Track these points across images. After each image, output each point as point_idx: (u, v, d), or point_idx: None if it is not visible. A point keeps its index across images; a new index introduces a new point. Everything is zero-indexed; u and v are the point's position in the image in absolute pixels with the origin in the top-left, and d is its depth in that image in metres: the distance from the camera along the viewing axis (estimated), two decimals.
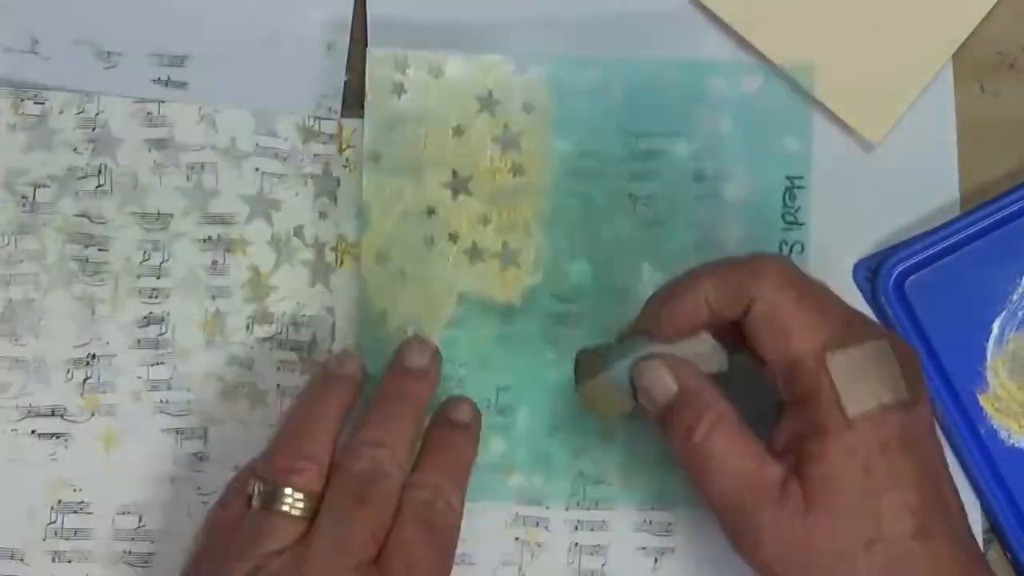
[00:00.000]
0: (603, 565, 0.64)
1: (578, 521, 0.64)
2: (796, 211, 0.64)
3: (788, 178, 0.64)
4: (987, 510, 0.64)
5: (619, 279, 0.64)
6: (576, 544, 0.64)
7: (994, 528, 0.64)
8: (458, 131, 0.64)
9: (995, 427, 0.64)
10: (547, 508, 0.64)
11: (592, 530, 0.64)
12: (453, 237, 0.64)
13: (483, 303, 0.64)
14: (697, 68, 0.64)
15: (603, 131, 0.64)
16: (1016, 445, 0.64)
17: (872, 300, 0.65)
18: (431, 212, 0.64)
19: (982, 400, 0.64)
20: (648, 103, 0.65)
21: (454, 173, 0.64)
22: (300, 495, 0.54)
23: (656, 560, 0.64)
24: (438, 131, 0.64)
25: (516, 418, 0.64)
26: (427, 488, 0.56)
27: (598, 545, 0.64)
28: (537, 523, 0.64)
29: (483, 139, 0.64)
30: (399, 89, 0.64)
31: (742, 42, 0.65)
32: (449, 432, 0.59)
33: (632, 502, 0.64)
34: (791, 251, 0.64)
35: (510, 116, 0.64)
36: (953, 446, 0.64)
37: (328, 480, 0.55)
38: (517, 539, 0.64)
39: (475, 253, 0.64)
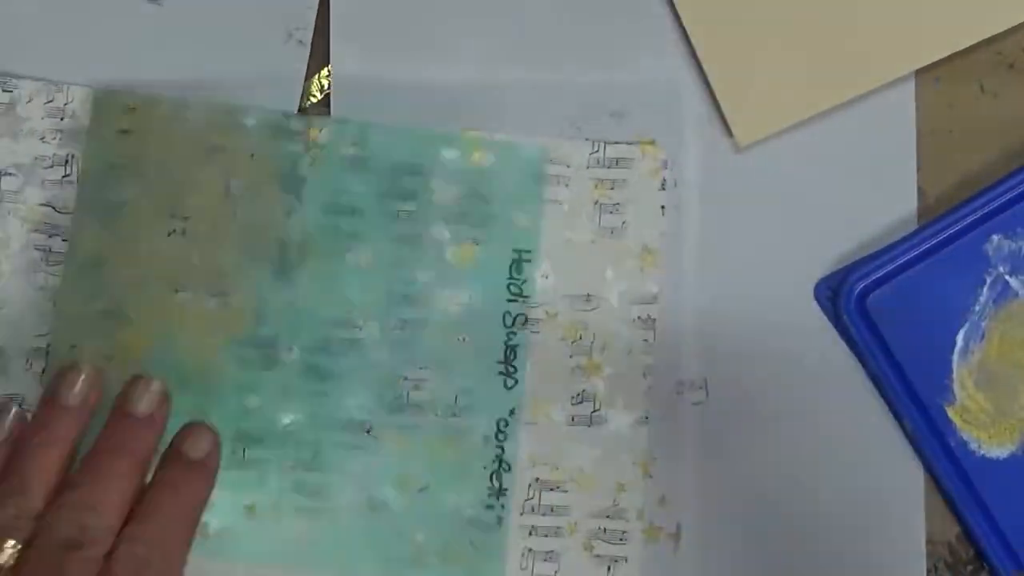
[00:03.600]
0: (556, 572, 0.64)
1: (532, 527, 0.64)
2: (522, 283, 0.64)
3: (516, 251, 0.65)
4: (961, 521, 0.64)
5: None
6: (530, 550, 0.64)
7: (969, 539, 0.64)
8: (186, 178, 0.64)
9: (964, 439, 0.64)
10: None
11: (546, 536, 0.64)
12: (170, 281, 0.64)
13: None
14: (432, 139, 0.65)
15: (335, 190, 0.65)
16: (987, 455, 0.64)
17: (835, 319, 0.65)
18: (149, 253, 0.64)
19: (950, 412, 0.64)
20: (383, 167, 0.65)
21: (177, 216, 0.64)
22: (17, 546, 0.50)
23: (609, 568, 0.64)
24: (163, 176, 0.64)
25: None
26: (143, 543, 0.51)
27: (552, 551, 0.64)
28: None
29: (212, 186, 0.64)
30: (124, 130, 0.64)
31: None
32: (179, 472, 0.54)
33: (587, 510, 0.64)
34: (515, 322, 0.65)
35: (237, 166, 0.65)
36: (924, 460, 0.64)
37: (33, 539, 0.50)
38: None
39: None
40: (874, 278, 0.64)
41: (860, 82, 0.66)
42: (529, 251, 0.65)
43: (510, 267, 0.65)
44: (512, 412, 0.65)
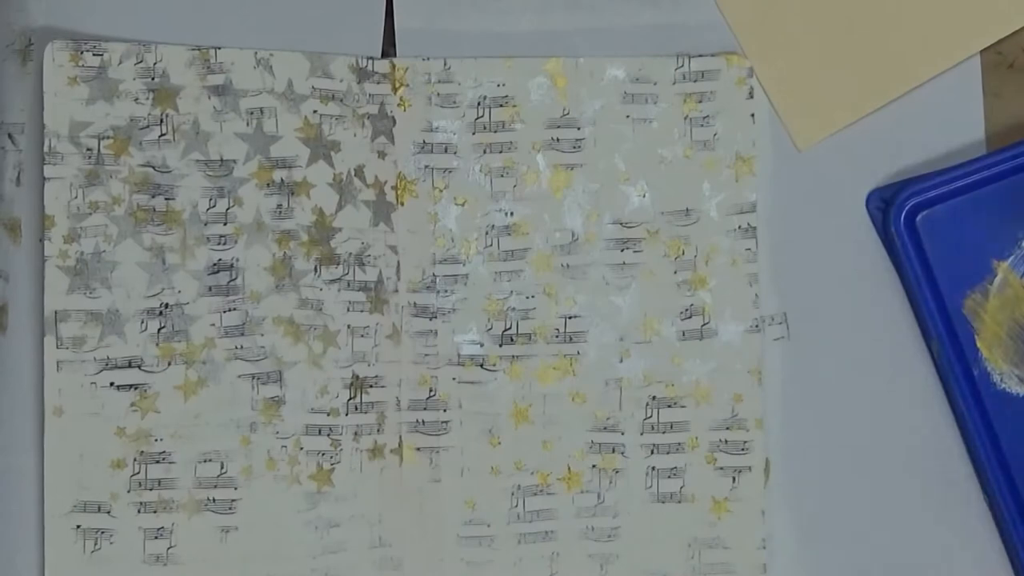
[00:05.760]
0: (681, 488, 0.64)
1: (653, 445, 0.64)
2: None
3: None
4: (970, 449, 0.65)
5: None
6: (653, 468, 0.64)
7: (976, 470, 0.65)
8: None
9: (988, 369, 0.65)
10: (622, 434, 0.64)
11: (668, 453, 0.64)
12: None
13: None
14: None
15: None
16: (1007, 389, 0.65)
17: (882, 230, 0.65)
18: None
19: (978, 342, 0.65)
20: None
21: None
22: None
23: (734, 479, 0.65)
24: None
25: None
26: None
27: (675, 468, 0.64)
28: (613, 449, 0.64)
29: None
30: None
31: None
32: None
33: (706, 423, 0.65)
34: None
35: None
36: (944, 384, 0.65)
37: None
38: (594, 467, 0.64)
39: None
40: (928, 196, 0.64)
41: (914, 74, 0.67)
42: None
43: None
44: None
